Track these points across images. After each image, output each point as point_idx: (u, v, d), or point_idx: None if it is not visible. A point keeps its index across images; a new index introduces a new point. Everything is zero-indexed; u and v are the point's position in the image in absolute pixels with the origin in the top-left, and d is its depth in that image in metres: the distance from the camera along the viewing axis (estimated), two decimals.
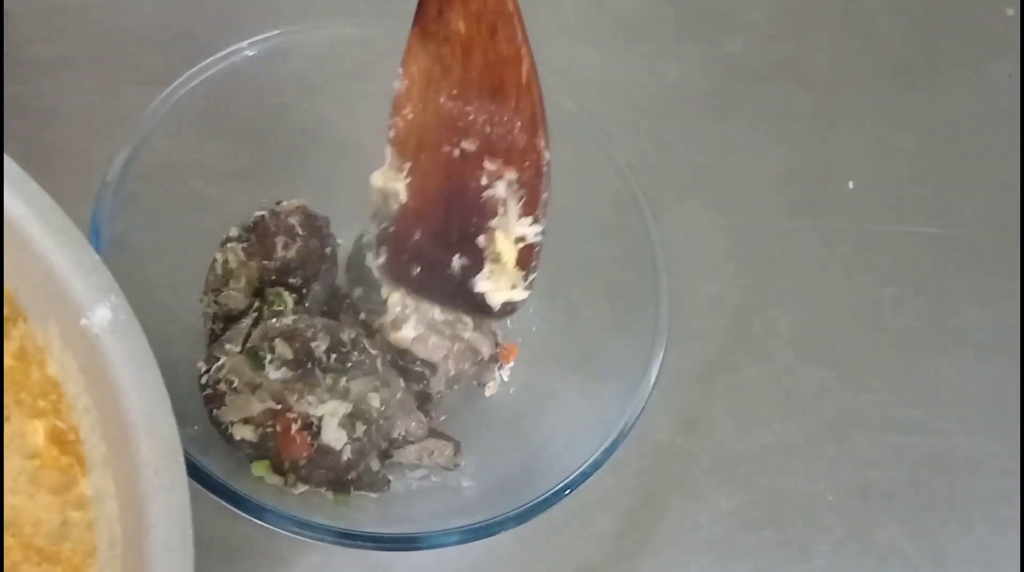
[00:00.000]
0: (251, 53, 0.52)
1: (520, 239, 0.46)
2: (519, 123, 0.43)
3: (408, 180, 0.47)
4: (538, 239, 0.46)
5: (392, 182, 0.47)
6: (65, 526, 0.35)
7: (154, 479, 0.33)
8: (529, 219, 0.45)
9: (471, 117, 0.44)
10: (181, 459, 0.34)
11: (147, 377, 0.35)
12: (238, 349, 0.47)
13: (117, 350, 0.35)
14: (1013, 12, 0.79)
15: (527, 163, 0.44)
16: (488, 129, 0.44)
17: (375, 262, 0.49)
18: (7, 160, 0.37)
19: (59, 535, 0.35)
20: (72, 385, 0.36)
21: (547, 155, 0.44)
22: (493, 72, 0.43)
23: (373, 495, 0.48)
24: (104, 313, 0.36)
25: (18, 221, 0.37)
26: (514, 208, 0.45)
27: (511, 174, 0.45)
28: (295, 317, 0.49)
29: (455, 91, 0.44)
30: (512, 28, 0.42)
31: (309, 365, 0.47)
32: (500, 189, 0.45)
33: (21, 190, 0.37)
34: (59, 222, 0.37)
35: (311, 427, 0.46)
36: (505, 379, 0.53)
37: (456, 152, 0.45)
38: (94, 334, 0.35)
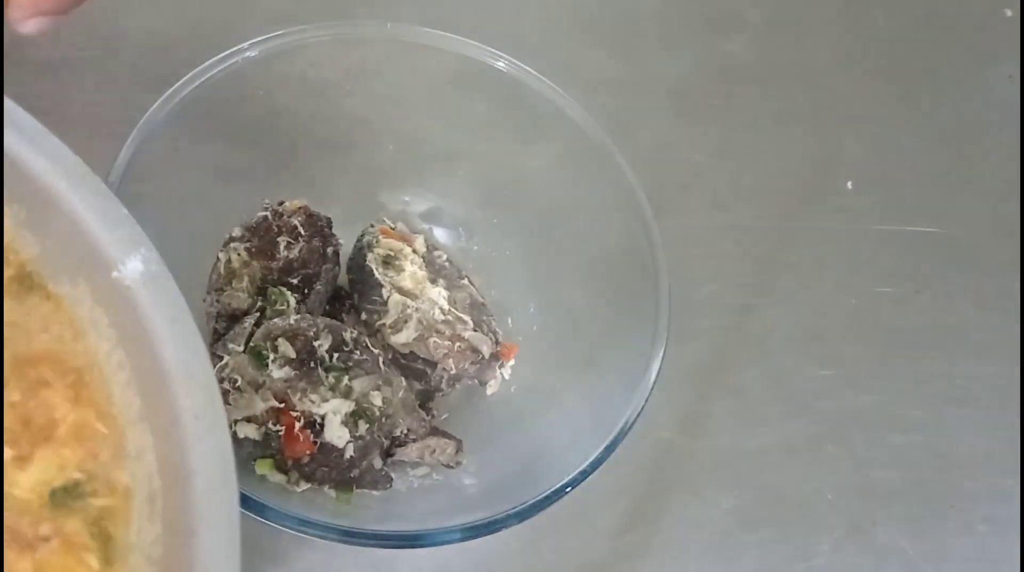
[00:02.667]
0: (252, 54, 0.52)
1: None
2: None
3: None
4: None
5: None
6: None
7: (194, 424, 0.33)
8: None
9: None
10: (220, 404, 0.33)
11: (182, 326, 0.34)
12: (241, 348, 0.47)
13: (151, 301, 0.34)
14: (1012, 13, 0.79)
15: None
16: None
17: None
18: (26, 115, 0.36)
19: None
20: (104, 342, 0.36)
21: None
22: None
23: (375, 493, 0.48)
24: (136, 265, 0.35)
25: (41, 177, 0.36)
26: None
27: None
28: (297, 317, 0.49)
29: None
30: None
31: (312, 364, 0.47)
32: None
33: (42, 146, 0.36)
34: (83, 176, 0.36)
35: (314, 426, 0.47)
36: (506, 378, 0.53)
37: None
38: (126, 286, 0.35)
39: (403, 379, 0.50)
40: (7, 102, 0.37)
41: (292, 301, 0.50)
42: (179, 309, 0.35)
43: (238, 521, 0.32)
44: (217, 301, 0.50)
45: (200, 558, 0.31)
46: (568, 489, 0.45)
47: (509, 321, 0.55)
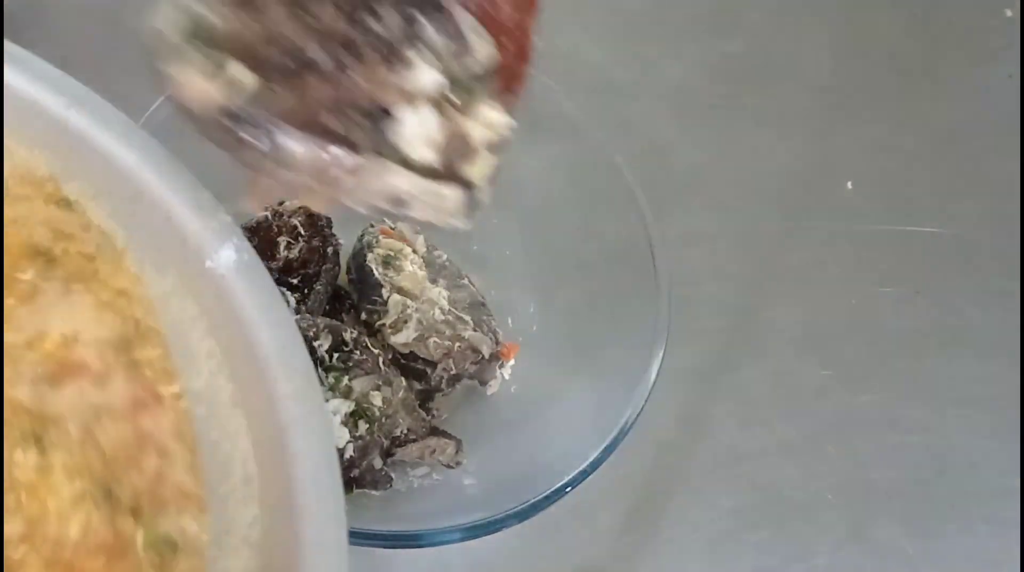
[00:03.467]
0: None
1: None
2: None
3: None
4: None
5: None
6: None
7: (294, 409, 0.33)
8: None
9: None
10: (318, 388, 0.34)
11: (277, 312, 0.35)
12: None
13: (245, 288, 0.35)
14: (1012, 13, 0.79)
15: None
16: None
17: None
18: (117, 112, 0.37)
19: None
20: (194, 332, 0.36)
21: None
22: None
23: (376, 493, 0.48)
24: (229, 254, 0.35)
25: (131, 168, 0.36)
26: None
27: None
28: (297, 317, 0.49)
29: None
30: None
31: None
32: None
33: (133, 140, 0.37)
34: (175, 169, 0.37)
35: None
36: (506, 378, 0.53)
37: None
38: (220, 275, 0.35)
39: (403, 379, 0.50)
40: (100, 99, 0.38)
41: (292, 301, 0.50)
42: (273, 296, 0.35)
43: (343, 500, 0.32)
44: None
45: (307, 537, 0.31)
46: (568, 489, 0.45)
47: (509, 321, 0.55)
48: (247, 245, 0.36)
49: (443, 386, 0.51)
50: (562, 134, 0.54)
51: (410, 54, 0.32)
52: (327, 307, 0.52)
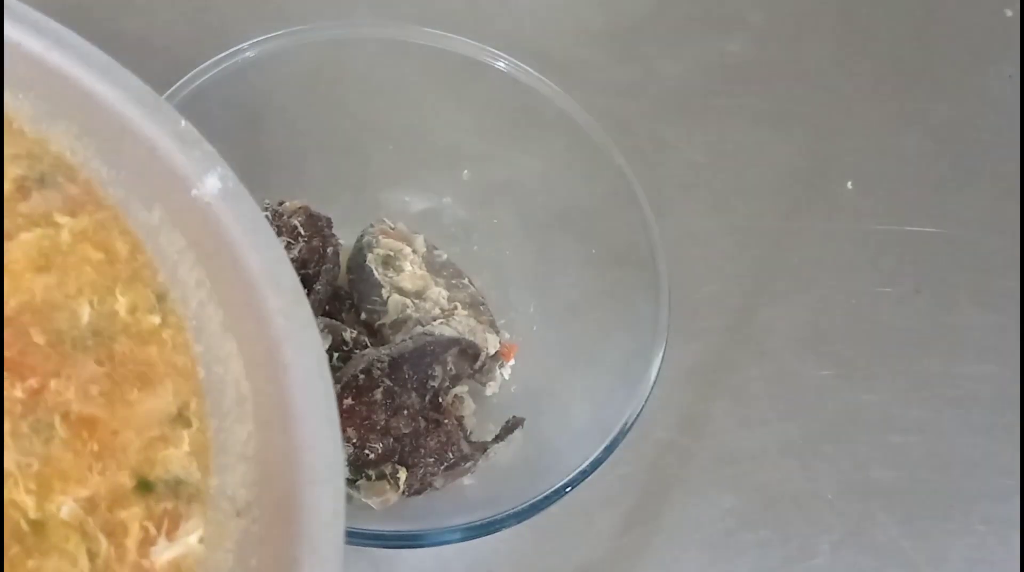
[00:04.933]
0: (251, 54, 0.52)
1: None
2: None
3: None
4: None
5: None
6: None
7: (285, 323, 0.33)
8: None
9: None
10: (307, 304, 0.34)
11: (263, 235, 0.35)
12: None
13: (231, 215, 0.35)
14: (1012, 13, 0.79)
15: None
16: None
17: None
18: (95, 49, 0.38)
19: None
20: (183, 265, 0.36)
21: None
22: None
23: None
24: (214, 182, 0.36)
25: (113, 105, 0.37)
26: None
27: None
28: None
29: None
30: None
31: None
32: None
33: (116, 77, 0.37)
34: (156, 103, 0.37)
35: None
36: (506, 378, 0.53)
37: None
38: (206, 203, 0.35)
39: None
40: (80, 39, 0.38)
41: None
42: (258, 221, 0.36)
43: (336, 408, 0.32)
44: None
45: (302, 441, 0.31)
46: (568, 489, 0.45)
47: (509, 321, 0.55)
48: (231, 173, 0.36)
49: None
50: (562, 134, 0.54)
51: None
52: (327, 307, 0.52)
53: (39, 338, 0.34)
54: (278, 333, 0.33)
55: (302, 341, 0.33)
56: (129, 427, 0.33)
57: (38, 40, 0.37)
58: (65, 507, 0.31)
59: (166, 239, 0.36)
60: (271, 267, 0.35)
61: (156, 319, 0.36)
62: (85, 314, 0.35)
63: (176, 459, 0.33)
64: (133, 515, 0.32)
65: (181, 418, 0.34)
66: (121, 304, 0.36)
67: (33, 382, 0.33)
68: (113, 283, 0.36)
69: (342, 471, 0.31)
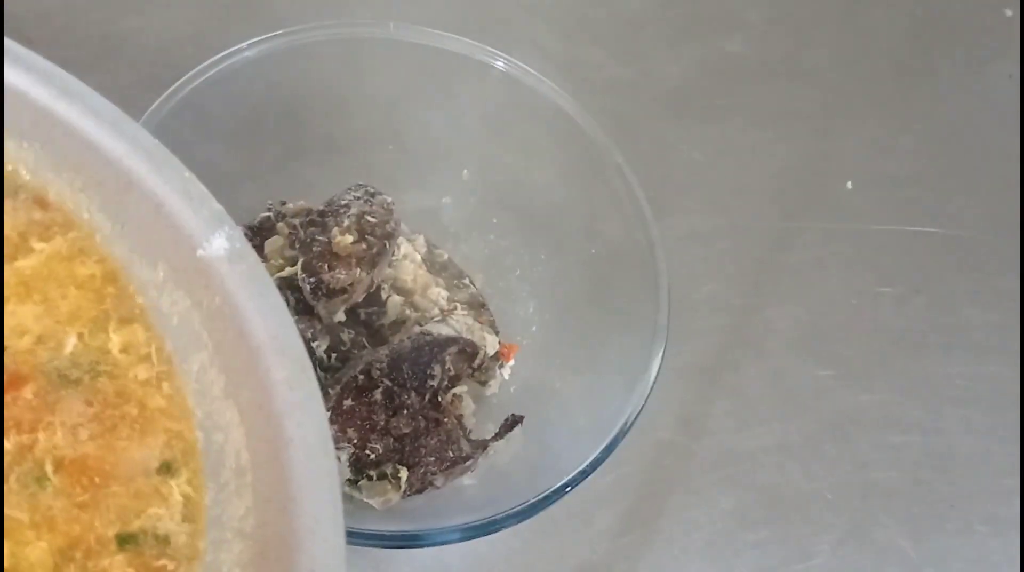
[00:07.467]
0: (251, 54, 0.52)
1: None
2: None
3: None
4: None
5: None
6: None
7: (289, 395, 0.33)
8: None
9: None
10: (312, 374, 0.33)
11: (270, 300, 0.34)
12: None
13: (237, 277, 0.34)
14: (1012, 13, 0.79)
15: None
16: None
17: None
18: (105, 101, 0.37)
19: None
20: (186, 325, 0.35)
21: None
22: None
23: None
24: (220, 242, 0.35)
25: (120, 160, 0.36)
26: None
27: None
28: (297, 317, 0.49)
29: None
30: None
31: None
32: None
33: (123, 130, 0.36)
34: (163, 157, 0.36)
35: None
36: (506, 378, 0.53)
37: None
38: (211, 264, 0.35)
39: None
40: (89, 89, 0.37)
41: (291, 301, 0.50)
42: (265, 284, 0.35)
43: (339, 486, 0.32)
44: None
45: (303, 524, 0.31)
46: (568, 489, 0.45)
47: (509, 321, 0.55)
48: (239, 233, 0.35)
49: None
50: (562, 134, 0.54)
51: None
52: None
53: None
54: (282, 405, 0.32)
55: (306, 415, 0.32)
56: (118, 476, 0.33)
57: (45, 89, 0.37)
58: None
59: (168, 299, 0.36)
60: (277, 334, 0.34)
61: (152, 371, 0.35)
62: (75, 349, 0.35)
63: (166, 515, 0.33)
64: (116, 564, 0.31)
65: (171, 470, 0.33)
66: (114, 342, 0.35)
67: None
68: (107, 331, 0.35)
69: (343, 560, 0.30)
